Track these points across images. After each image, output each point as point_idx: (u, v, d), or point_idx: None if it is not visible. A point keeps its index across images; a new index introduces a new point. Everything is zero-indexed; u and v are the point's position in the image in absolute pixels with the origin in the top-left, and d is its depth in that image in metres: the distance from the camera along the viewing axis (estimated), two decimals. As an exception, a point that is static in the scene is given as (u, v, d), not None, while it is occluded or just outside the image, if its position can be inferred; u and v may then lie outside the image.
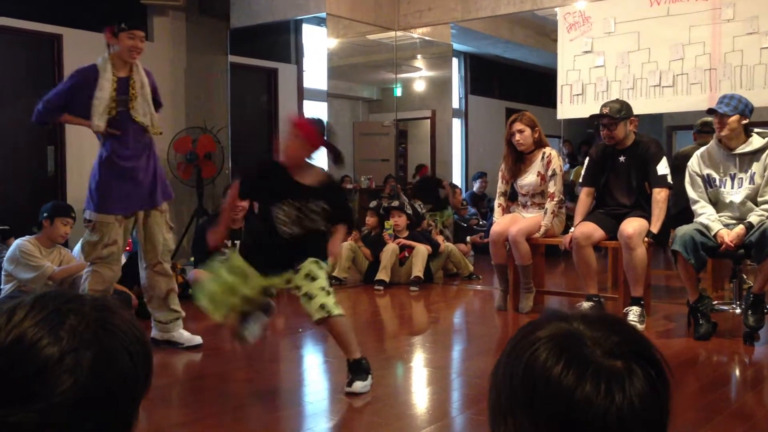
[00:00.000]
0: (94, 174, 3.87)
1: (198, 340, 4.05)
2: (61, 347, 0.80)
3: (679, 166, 4.66)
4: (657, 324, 4.63)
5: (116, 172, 3.83)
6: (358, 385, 3.09)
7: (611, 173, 4.67)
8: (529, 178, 4.99)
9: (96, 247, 3.82)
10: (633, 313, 4.36)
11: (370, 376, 3.14)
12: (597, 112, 4.68)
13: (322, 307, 3.03)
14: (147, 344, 0.89)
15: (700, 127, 5.47)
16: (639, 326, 4.28)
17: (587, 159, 4.90)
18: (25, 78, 6.24)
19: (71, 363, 0.79)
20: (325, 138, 3.12)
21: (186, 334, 4.04)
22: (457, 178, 9.68)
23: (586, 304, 4.60)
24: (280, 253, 3.11)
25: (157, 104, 4.02)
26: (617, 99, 4.92)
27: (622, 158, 4.62)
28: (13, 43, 6.13)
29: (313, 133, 3.06)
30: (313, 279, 3.07)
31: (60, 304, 0.84)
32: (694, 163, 4.31)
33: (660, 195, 4.47)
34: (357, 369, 3.11)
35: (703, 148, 4.34)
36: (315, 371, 3.87)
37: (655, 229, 4.44)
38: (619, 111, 4.53)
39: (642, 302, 4.43)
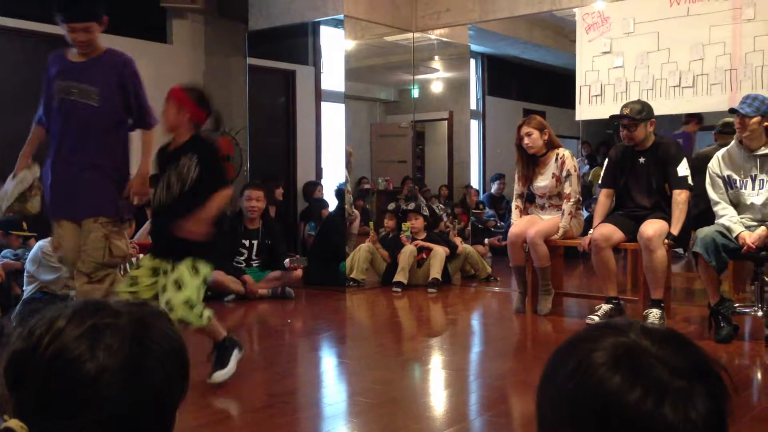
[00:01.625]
0: None
1: None
2: (98, 365, 0.81)
3: (699, 167, 4.62)
4: (677, 327, 4.59)
5: (56, 170, 3.54)
6: (224, 372, 3.20)
7: (631, 175, 4.64)
8: (544, 181, 4.97)
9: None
10: (653, 316, 4.33)
11: (236, 355, 3.25)
12: (616, 112, 4.65)
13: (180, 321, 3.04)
14: (182, 354, 0.90)
15: (721, 127, 5.42)
16: None
17: (606, 160, 4.88)
18: (47, 81, 6.30)
19: (107, 380, 0.81)
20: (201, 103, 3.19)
21: None
22: (475, 180, 9.66)
23: (605, 307, 4.57)
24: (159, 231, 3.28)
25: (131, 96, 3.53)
26: (638, 100, 4.88)
27: (641, 159, 4.59)
28: (36, 47, 6.19)
29: (186, 99, 3.15)
30: (180, 288, 3.07)
31: (98, 319, 0.85)
32: (714, 165, 4.27)
33: (680, 196, 4.43)
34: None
35: (723, 149, 4.30)
36: (333, 373, 3.88)
37: (675, 230, 4.40)
38: (640, 112, 4.50)
39: (662, 305, 4.40)
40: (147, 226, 5.42)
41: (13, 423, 0.77)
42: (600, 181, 4.88)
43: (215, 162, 3.23)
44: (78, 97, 3.49)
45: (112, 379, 0.81)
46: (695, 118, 7.03)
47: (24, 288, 4.58)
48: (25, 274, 4.58)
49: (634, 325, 0.81)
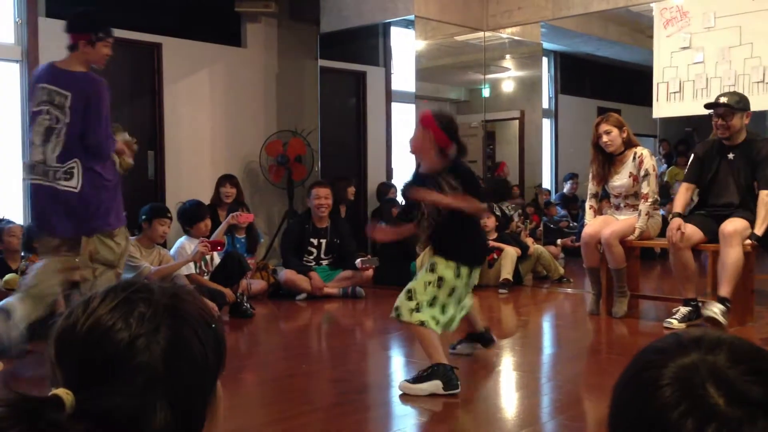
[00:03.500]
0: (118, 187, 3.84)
1: None
2: (131, 332, 0.84)
3: None
4: (762, 330, 4.41)
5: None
6: (412, 387, 3.12)
7: (718, 171, 4.49)
8: (621, 180, 4.85)
9: None
10: (716, 307, 4.18)
11: (435, 384, 3.10)
12: (696, 110, 4.52)
13: (396, 308, 3.19)
14: (217, 329, 0.92)
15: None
16: (721, 320, 4.12)
17: (692, 156, 4.73)
18: (127, 86, 6.52)
19: (142, 347, 0.84)
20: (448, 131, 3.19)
21: None
22: (547, 180, 9.51)
23: (683, 309, 4.44)
24: None
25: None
26: (734, 91, 4.74)
27: (731, 155, 4.43)
28: (116, 52, 6.39)
29: (435, 128, 3.16)
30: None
31: (130, 293, 0.88)
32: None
33: None
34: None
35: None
36: (403, 372, 3.87)
37: (759, 231, 4.23)
38: (738, 102, 4.38)
39: (728, 304, 4.23)
40: (223, 226, 5.56)
41: (60, 391, 0.81)
42: (685, 174, 4.75)
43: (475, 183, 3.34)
44: None
45: (147, 345, 0.84)
46: None
47: (106, 285, 4.74)
48: (106, 271, 4.74)
49: (708, 337, 0.76)
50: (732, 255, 4.19)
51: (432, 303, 3.18)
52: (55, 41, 5.86)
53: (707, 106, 4.54)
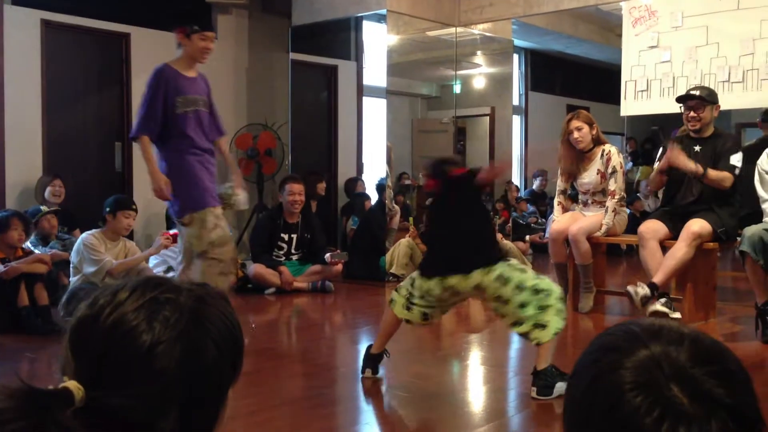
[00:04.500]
0: (184, 174, 3.86)
1: None
2: (153, 336, 0.83)
3: (749, 158, 4.52)
4: (724, 327, 4.49)
5: (204, 165, 3.98)
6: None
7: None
8: (589, 177, 4.90)
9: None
10: (659, 302, 4.27)
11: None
12: (663, 108, 4.59)
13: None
14: (237, 336, 0.91)
15: (765, 116, 5.29)
16: (668, 311, 4.22)
17: (660, 150, 4.77)
18: (94, 75, 6.43)
19: (161, 354, 0.83)
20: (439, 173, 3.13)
21: None
22: (516, 176, 9.59)
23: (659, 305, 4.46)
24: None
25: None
26: (703, 85, 4.86)
27: (697, 148, 4.50)
28: (83, 42, 6.32)
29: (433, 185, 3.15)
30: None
31: (159, 293, 0.87)
32: (764, 161, 4.17)
33: (723, 174, 4.35)
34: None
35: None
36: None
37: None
38: (709, 95, 4.49)
39: (656, 291, 4.30)
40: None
41: (72, 384, 0.79)
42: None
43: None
44: (202, 107, 3.92)
45: (167, 351, 0.83)
46: None
47: (70, 279, 4.68)
48: (70, 265, 4.68)
49: (669, 329, 0.76)
50: (683, 250, 4.26)
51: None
52: (21, 29, 5.78)
53: (679, 99, 4.60)
